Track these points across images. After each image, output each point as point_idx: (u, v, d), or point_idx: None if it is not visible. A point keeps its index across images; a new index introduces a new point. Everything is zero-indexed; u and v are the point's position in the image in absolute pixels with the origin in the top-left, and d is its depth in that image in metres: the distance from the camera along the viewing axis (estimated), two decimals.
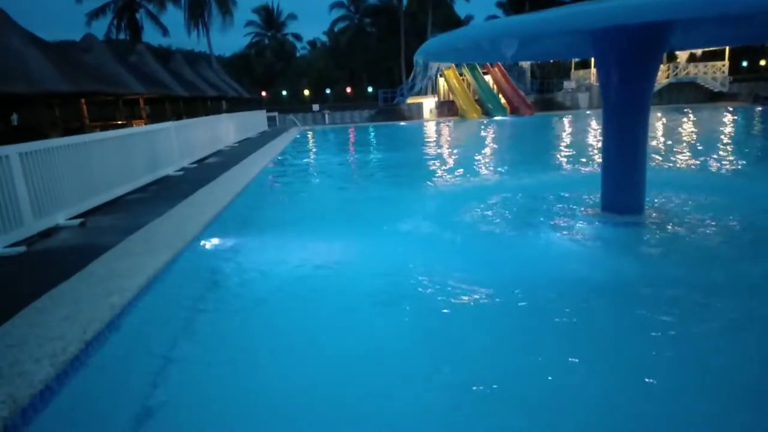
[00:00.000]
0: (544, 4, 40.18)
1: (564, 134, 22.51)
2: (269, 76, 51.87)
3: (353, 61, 50.51)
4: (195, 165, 13.66)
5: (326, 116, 38.81)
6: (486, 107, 35.65)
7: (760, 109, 29.34)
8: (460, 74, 37.54)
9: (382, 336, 3.96)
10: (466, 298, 4.49)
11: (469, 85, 37.62)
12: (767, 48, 40.74)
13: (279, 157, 17.42)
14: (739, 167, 11.56)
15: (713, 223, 6.40)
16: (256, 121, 27.95)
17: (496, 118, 33.99)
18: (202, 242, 6.22)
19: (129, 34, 44.70)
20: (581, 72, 40.44)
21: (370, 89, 45.41)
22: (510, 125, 29.22)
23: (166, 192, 9.46)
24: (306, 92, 46.70)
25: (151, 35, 59.65)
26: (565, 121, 29.07)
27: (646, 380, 3.18)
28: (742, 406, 2.93)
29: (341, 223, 7.70)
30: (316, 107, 40.63)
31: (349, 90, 47.11)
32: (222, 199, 8.21)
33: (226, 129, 19.81)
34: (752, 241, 5.85)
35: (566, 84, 40.61)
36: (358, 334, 4.02)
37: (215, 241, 6.42)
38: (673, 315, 3.99)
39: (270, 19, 57.12)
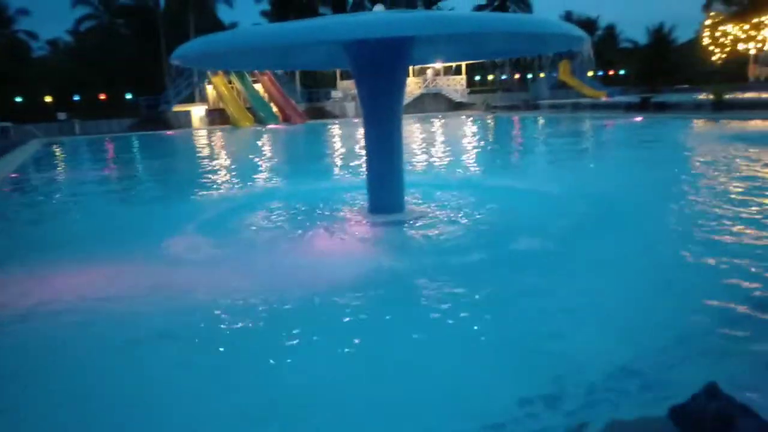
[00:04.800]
0: (308, 15, 41.58)
1: (334, 142, 23.56)
2: None
3: (107, 64, 45.37)
4: None
5: (76, 126, 34.19)
6: (258, 115, 35.39)
7: (491, 116, 34.75)
8: (229, 82, 36.60)
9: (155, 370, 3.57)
10: (243, 313, 4.32)
11: (239, 93, 36.91)
12: (494, 64, 48.44)
13: (14, 175, 14.78)
14: (481, 166, 13.50)
15: (460, 215, 7.31)
16: None
17: (269, 126, 33.99)
18: None
19: None
20: (346, 82, 42.86)
21: (129, 96, 41.25)
22: (283, 133, 29.51)
23: None
24: (48, 99, 40.33)
25: None
26: (335, 129, 30.46)
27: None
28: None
29: (102, 247, 6.71)
30: (62, 116, 35.49)
31: (103, 96, 42.11)
32: None
33: None
34: (489, 228, 6.84)
35: (334, 93, 42.61)
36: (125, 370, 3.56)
37: None
38: (438, 294, 4.44)
39: None
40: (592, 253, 5.53)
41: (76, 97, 40.23)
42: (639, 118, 24.67)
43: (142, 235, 7.06)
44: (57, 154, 23.06)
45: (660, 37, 49.28)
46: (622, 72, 50.44)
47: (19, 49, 48.84)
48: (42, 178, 15.02)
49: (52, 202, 11.40)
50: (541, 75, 44.67)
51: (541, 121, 28.85)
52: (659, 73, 46.10)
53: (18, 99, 39.50)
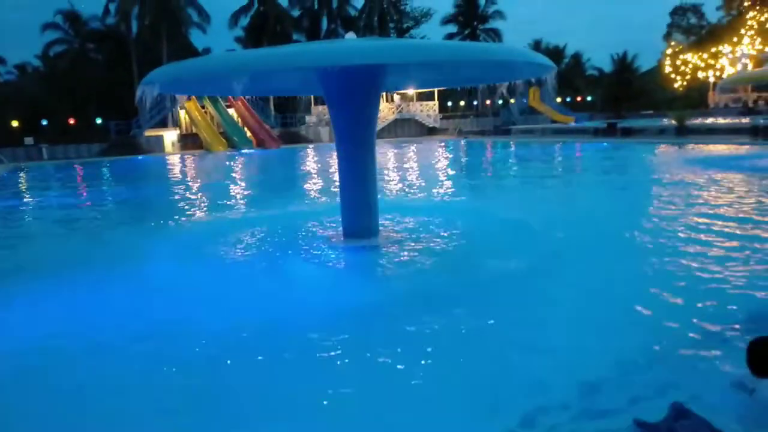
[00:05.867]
0: (281, 42, 41.87)
1: (309, 166, 23.57)
2: None
3: (77, 88, 44.77)
4: None
5: (44, 151, 33.48)
6: (232, 140, 35.24)
7: (463, 141, 35.28)
8: (202, 106, 36.45)
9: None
10: (207, 340, 4.24)
11: (212, 117, 36.75)
12: (463, 91, 49.38)
13: None
14: (453, 190, 13.64)
15: (432, 239, 7.36)
16: None
17: (243, 150, 33.86)
18: None
19: None
20: (321, 107, 43.08)
21: (98, 120, 40.66)
22: (257, 158, 29.41)
23: None
24: (15, 123, 39.50)
25: None
26: (309, 153, 30.51)
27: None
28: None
29: (69, 276, 6.52)
30: (29, 140, 34.72)
31: (72, 121, 41.42)
32: None
33: None
34: (466, 249, 6.91)
35: (308, 118, 42.77)
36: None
37: None
38: (410, 318, 4.42)
39: None
40: (563, 275, 5.62)
41: (44, 122, 39.47)
42: (605, 143, 25.38)
43: (108, 261, 6.93)
44: (22, 179, 22.50)
45: (624, 65, 51.02)
46: (589, 98, 51.93)
47: None
48: (5, 205, 14.60)
49: (12, 228, 11.08)
50: (512, 101, 45.69)
51: (512, 145, 29.42)
52: (624, 99, 47.68)
53: None
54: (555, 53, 52.39)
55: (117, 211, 13.12)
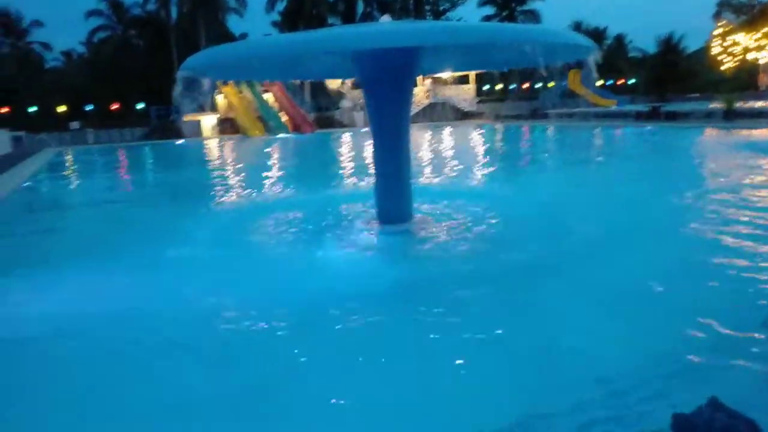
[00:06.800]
0: (317, 25, 41.91)
1: (343, 151, 23.65)
2: (11, 90, 44.25)
3: (119, 74, 46.01)
4: None
5: (89, 135, 34.63)
6: (268, 125, 35.63)
7: (499, 125, 34.76)
8: (240, 91, 36.92)
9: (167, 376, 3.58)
10: (249, 321, 4.32)
11: (249, 102, 37.21)
12: (500, 75, 48.50)
13: (27, 184, 14.96)
14: (490, 174, 13.48)
15: (467, 224, 7.30)
16: None
17: (279, 135, 34.20)
18: None
19: None
20: (356, 92, 43.07)
21: (141, 105, 41.76)
22: (292, 143, 29.67)
23: None
24: (61, 109, 40.92)
25: None
26: (344, 138, 30.59)
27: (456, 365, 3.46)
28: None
29: (109, 256, 6.75)
30: (75, 125, 35.96)
31: (116, 106, 42.68)
32: None
33: None
34: (502, 234, 6.84)
35: (343, 103, 42.82)
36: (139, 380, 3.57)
37: None
38: (445, 304, 4.42)
39: (9, 24, 48.84)
40: (603, 265, 5.48)
41: (89, 107, 40.75)
42: (649, 127, 24.58)
43: (151, 244, 7.12)
44: (69, 162, 23.32)
45: (669, 46, 49.15)
46: (632, 81, 50.31)
47: (33, 60, 49.65)
48: (54, 186, 15.20)
49: (61, 210, 11.52)
50: (550, 84, 44.65)
51: (550, 130, 28.82)
52: (669, 81, 45.98)
53: (32, 109, 40.09)
54: (596, 35, 50.87)
55: (156, 193, 13.48)
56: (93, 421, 3.11)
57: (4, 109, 38.38)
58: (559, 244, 6.15)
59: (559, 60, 7.00)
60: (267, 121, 35.87)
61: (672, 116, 26.66)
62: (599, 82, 42.93)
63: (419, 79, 38.39)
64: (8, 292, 5.35)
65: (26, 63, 48.24)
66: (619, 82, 49.50)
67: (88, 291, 5.33)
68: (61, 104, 40.70)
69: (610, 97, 41.24)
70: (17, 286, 5.51)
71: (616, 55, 52.93)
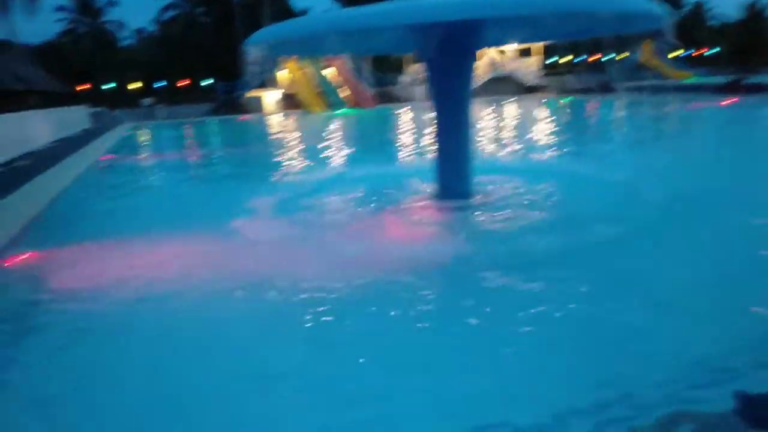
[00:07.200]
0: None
1: (403, 126, 23.57)
2: (88, 67, 46.70)
3: (187, 52, 47.61)
4: None
5: (160, 111, 36.14)
6: (329, 100, 35.93)
7: (565, 99, 33.50)
8: (302, 67, 37.32)
9: (249, 346, 3.77)
10: (320, 295, 4.44)
11: (311, 78, 37.57)
12: (567, 46, 46.59)
13: (104, 157, 15.87)
14: (552, 151, 13.10)
15: (530, 201, 7.16)
16: (74, 117, 25.05)
17: (339, 111, 34.45)
18: (5, 261, 5.41)
19: None
20: (416, 66, 42.52)
21: (207, 82, 43.13)
22: (353, 118, 29.83)
23: None
24: (134, 85, 42.92)
25: None
26: (404, 113, 30.44)
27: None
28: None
29: (180, 226, 7.13)
30: (147, 101, 37.58)
31: (184, 83, 44.31)
32: (31, 209, 7.23)
33: (37, 127, 17.47)
34: (560, 215, 6.66)
35: (403, 78, 42.47)
36: (221, 346, 3.78)
37: (23, 258, 5.63)
38: (506, 280, 4.43)
39: (85, 4, 51.33)
40: (672, 245, 5.26)
41: (160, 84, 42.48)
42: (729, 101, 23.00)
43: (218, 216, 7.42)
44: (142, 137, 24.51)
45: (754, 12, 45.50)
46: (711, 51, 47.09)
47: (108, 39, 52.10)
48: (129, 159, 16.05)
49: (136, 181, 12.16)
50: (621, 56, 42.47)
51: (619, 104, 27.52)
52: (753, 52, 42.69)
53: (107, 86, 42.24)
54: (672, 1, 47.72)
55: (223, 167, 13.96)
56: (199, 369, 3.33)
57: (83, 86, 40.61)
58: (626, 222, 5.94)
59: (631, 30, 6.65)
60: (328, 97, 36.16)
61: (756, 89, 24.79)
62: (674, 54, 40.40)
63: (480, 52, 37.42)
64: (103, 257, 5.75)
65: (102, 41, 50.72)
66: (696, 53, 46.43)
67: (160, 257, 5.65)
68: (134, 81, 42.65)
69: (686, 69, 38.80)
70: (104, 252, 5.92)
71: (693, 24, 49.56)
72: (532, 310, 3.95)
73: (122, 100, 39.47)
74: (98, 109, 33.24)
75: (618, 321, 3.75)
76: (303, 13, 47.36)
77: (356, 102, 36.54)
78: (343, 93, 37.34)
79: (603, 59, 46.64)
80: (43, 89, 26.89)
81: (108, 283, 4.94)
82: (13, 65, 26.17)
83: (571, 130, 19.32)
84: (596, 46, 44.98)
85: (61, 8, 50.56)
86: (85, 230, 7.19)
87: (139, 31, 56.77)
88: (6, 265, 5.52)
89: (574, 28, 7.16)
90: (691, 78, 35.48)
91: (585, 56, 48.18)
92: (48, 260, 5.70)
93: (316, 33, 5.70)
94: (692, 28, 47.96)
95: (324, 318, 4.10)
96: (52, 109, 21.26)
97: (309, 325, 4.01)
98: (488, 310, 4.02)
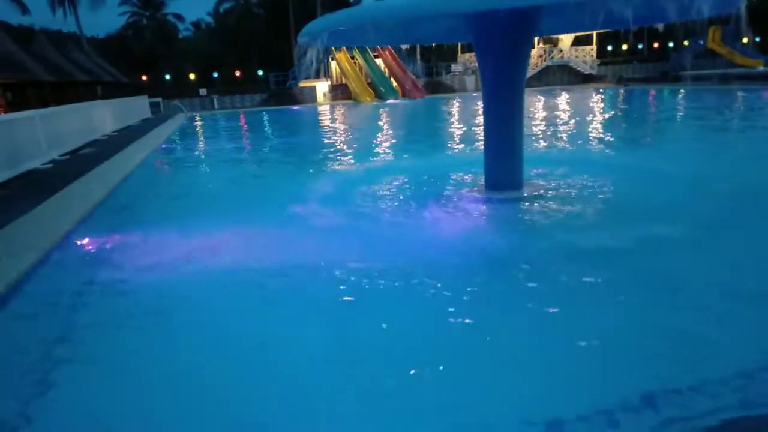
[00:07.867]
0: None
1: (452, 116, 23.33)
2: (149, 59, 48.55)
3: (241, 43, 48.72)
4: (67, 157, 12.53)
5: (215, 101, 37.17)
6: (378, 90, 35.99)
7: (624, 89, 32.25)
8: (352, 57, 37.51)
9: (290, 335, 3.87)
10: (373, 282, 4.48)
11: (361, 68, 37.73)
12: (628, 34, 44.72)
13: (164, 146, 16.48)
14: (608, 143, 12.67)
15: (583, 194, 6.97)
16: (136, 107, 26.13)
17: (389, 101, 34.45)
18: (76, 241, 5.73)
19: None
20: (467, 55, 41.94)
21: (260, 72, 44.00)
22: (402, 108, 29.76)
23: (33, 187, 8.61)
24: (191, 76, 44.32)
25: (5, 13, 53.25)
26: (454, 103, 30.12)
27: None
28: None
29: (237, 212, 7.36)
30: (203, 92, 38.71)
31: (238, 73, 45.39)
32: (98, 193, 7.62)
33: (102, 116, 18.35)
34: (616, 209, 6.45)
35: (453, 67, 41.98)
36: (266, 331, 3.89)
37: (91, 239, 5.94)
38: (555, 274, 4.35)
39: None
40: (730, 244, 5.01)
41: (215, 74, 43.67)
42: None
43: (270, 204, 7.61)
44: (199, 126, 25.29)
45: None
46: None
47: (168, 31, 53.92)
48: (187, 148, 16.62)
49: (193, 170, 12.58)
50: (685, 43, 40.44)
51: (682, 94, 26.27)
52: None
53: (167, 76, 43.79)
54: None
55: (275, 156, 14.24)
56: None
57: (145, 77, 42.27)
58: (682, 218, 5.69)
59: (698, 15, 6.31)
60: (378, 87, 36.22)
61: None
62: (745, 39, 38.08)
63: (534, 40, 36.48)
64: (161, 241, 6.01)
65: (162, 34, 52.56)
66: None
67: (216, 242, 5.84)
68: (191, 72, 44.01)
69: (757, 57, 36.52)
70: (161, 236, 6.17)
71: (766, 7, 46.51)
72: (583, 306, 3.86)
73: (180, 90, 40.82)
74: (158, 99, 34.52)
75: (671, 323, 3.61)
76: (357, 2, 47.44)
77: (405, 92, 36.43)
78: (393, 83, 37.30)
79: (666, 47, 44.60)
80: (107, 80, 28.16)
81: (174, 263, 5.15)
82: (80, 58, 27.53)
83: (629, 121, 18.60)
84: (656, 35, 43.02)
85: (124, 2, 52.69)
86: (147, 214, 7.54)
87: (196, 23, 58.49)
88: (79, 244, 5.84)
89: (637, 14, 6.86)
90: (761, 66, 33.37)
91: (643, 45, 46.17)
92: (115, 242, 5.99)
93: (370, 22, 5.71)
94: (765, 12, 45.01)
95: (374, 304, 4.15)
96: (116, 100, 22.24)
97: (364, 311, 4.06)
98: (530, 306, 3.94)
